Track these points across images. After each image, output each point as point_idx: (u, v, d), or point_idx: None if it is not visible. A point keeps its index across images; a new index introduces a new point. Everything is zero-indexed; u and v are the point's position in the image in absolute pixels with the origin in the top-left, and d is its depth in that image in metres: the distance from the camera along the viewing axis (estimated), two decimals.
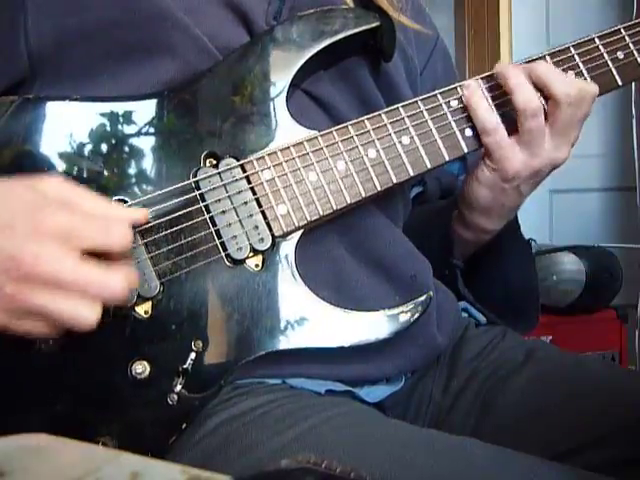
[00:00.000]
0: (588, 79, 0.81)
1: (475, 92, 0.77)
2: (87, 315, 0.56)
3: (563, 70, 0.80)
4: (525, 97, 0.76)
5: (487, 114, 0.77)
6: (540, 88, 0.77)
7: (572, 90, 0.76)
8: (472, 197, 0.83)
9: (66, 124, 0.68)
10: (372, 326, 0.72)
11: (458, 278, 0.90)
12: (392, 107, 0.76)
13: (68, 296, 0.56)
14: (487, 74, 0.79)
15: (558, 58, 0.80)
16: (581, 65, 0.81)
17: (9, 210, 0.57)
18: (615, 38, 0.83)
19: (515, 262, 0.92)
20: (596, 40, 0.82)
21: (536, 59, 0.80)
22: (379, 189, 0.74)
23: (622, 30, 0.83)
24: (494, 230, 0.87)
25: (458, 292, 0.91)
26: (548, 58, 0.80)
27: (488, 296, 0.92)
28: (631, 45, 0.83)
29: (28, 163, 0.67)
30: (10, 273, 0.55)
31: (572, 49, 0.81)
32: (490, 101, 0.78)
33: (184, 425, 0.65)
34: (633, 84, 2.23)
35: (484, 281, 0.92)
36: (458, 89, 0.78)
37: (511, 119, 0.78)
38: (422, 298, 0.74)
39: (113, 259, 0.59)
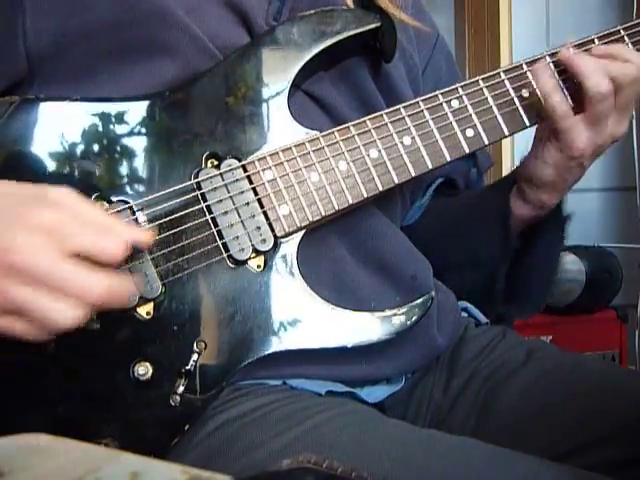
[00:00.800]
0: None
1: (548, 79, 0.77)
2: (67, 315, 0.55)
3: (561, 71, 0.80)
4: (596, 82, 0.76)
5: (560, 103, 0.77)
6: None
7: (633, 71, 0.77)
8: (536, 176, 0.83)
9: (66, 125, 0.68)
10: (373, 326, 0.72)
11: (505, 261, 0.89)
12: (393, 107, 0.76)
13: (50, 293, 0.55)
14: (488, 75, 0.79)
15: (557, 57, 0.80)
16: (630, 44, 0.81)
17: (4, 201, 0.57)
18: (614, 38, 0.83)
19: (550, 238, 0.91)
20: (595, 41, 0.82)
21: (536, 59, 0.80)
22: (381, 189, 0.74)
23: (621, 30, 0.83)
24: (552, 205, 0.87)
25: (460, 292, 0.91)
26: (548, 58, 0.80)
27: (514, 274, 0.92)
28: (630, 45, 0.83)
29: (28, 163, 0.67)
30: None
31: (572, 49, 0.81)
32: (560, 81, 0.78)
33: (186, 426, 0.65)
34: None
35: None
36: (459, 89, 0.78)
37: (577, 98, 0.78)
38: (423, 298, 0.74)
39: (106, 266, 0.57)
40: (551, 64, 0.79)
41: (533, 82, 0.78)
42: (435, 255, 0.87)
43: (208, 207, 0.69)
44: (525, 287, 0.93)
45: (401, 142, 0.75)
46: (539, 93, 0.78)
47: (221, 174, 0.69)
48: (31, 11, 0.70)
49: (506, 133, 0.79)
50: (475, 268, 0.91)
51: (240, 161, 0.70)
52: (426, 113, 0.76)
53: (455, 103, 0.77)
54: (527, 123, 0.79)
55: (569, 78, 0.79)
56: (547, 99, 0.77)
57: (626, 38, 0.83)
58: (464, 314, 0.93)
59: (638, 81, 0.78)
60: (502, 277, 0.90)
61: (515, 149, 2.38)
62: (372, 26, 0.75)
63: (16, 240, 0.54)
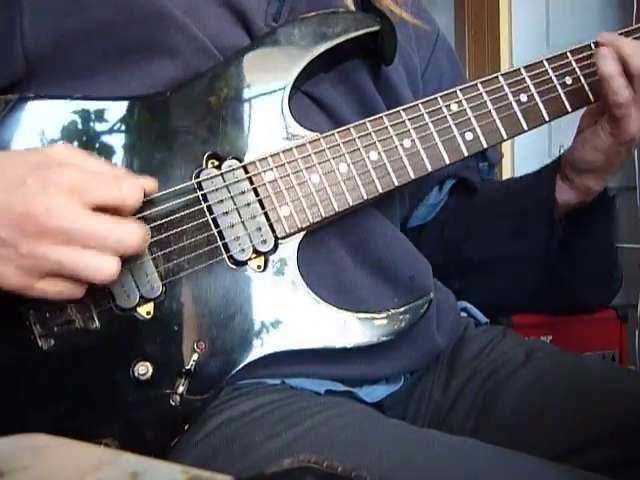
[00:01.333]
0: (585, 85, 0.82)
1: (611, 63, 0.78)
2: (105, 266, 0.57)
3: (559, 76, 0.81)
4: None
5: (621, 89, 0.77)
6: None
7: None
8: (584, 162, 0.84)
9: (66, 123, 0.68)
10: (373, 327, 0.72)
11: (551, 250, 0.89)
12: (393, 110, 0.76)
13: (84, 249, 0.56)
14: (486, 79, 0.79)
15: (555, 64, 0.81)
16: (578, 71, 0.82)
17: (17, 170, 0.57)
18: None
19: (596, 218, 0.91)
20: (592, 46, 0.83)
21: (534, 64, 0.81)
22: (380, 191, 0.74)
23: (624, 35, 0.84)
24: (598, 190, 0.88)
25: (466, 291, 0.91)
26: (546, 63, 0.81)
27: (568, 260, 0.92)
28: None
29: None
30: (24, 229, 0.55)
31: (569, 55, 0.82)
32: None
33: (186, 426, 0.66)
34: None
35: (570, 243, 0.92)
36: (458, 93, 0.78)
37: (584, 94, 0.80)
38: (422, 300, 0.74)
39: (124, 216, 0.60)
40: (572, 60, 0.80)
41: (577, 70, 0.80)
42: (470, 253, 0.88)
43: (209, 207, 0.69)
44: (588, 271, 0.93)
45: (401, 145, 0.75)
46: (601, 76, 0.78)
47: (222, 174, 0.69)
48: (29, 11, 0.70)
49: (505, 137, 0.79)
50: (520, 262, 0.91)
51: (241, 162, 0.70)
52: (426, 116, 0.76)
53: (454, 107, 0.78)
54: (525, 127, 0.80)
55: (587, 75, 0.80)
56: (609, 83, 0.77)
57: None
58: (464, 314, 0.93)
59: None
60: (558, 267, 0.90)
61: (515, 149, 2.38)
62: (372, 29, 0.76)
63: (45, 204, 0.55)
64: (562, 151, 0.89)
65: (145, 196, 0.63)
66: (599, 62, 0.78)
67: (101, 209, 0.58)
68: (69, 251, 0.56)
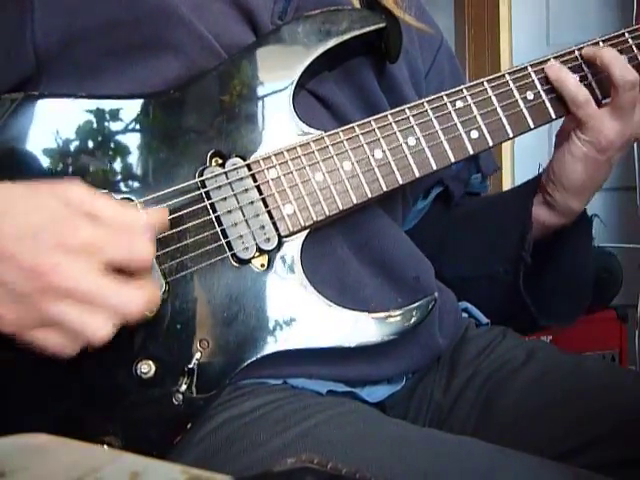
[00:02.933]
0: (592, 82, 0.81)
1: (559, 68, 0.79)
2: (103, 329, 0.57)
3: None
4: (622, 71, 0.77)
5: (577, 87, 0.78)
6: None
7: None
8: (565, 175, 0.82)
9: (71, 122, 0.68)
10: (375, 327, 0.72)
11: (519, 275, 0.87)
12: (398, 108, 0.76)
13: (84, 308, 0.56)
14: (493, 76, 0.79)
15: (563, 59, 0.81)
16: (585, 68, 0.81)
17: (32, 218, 0.57)
18: (618, 41, 0.83)
19: (576, 240, 0.90)
20: (600, 44, 0.82)
21: (541, 62, 0.80)
22: (385, 190, 0.74)
23: (626, 34, 0.84)
24: (579, 211, 0.86)
25: (463, 294, 0.91)
26: (552, 60, 0.80)
27: (541, 283, 0.90)
28: (634, 48, 0.83)
29: (32, 160, 0.67)
30: (29, 281, 0.55)
31: (576, 51, 0.82)
32: (586, 70, 0.80)
33: (189, 425, 0.65)
34: None
35: (541, 265, 0.91)
36: (463, 90, 0.78)
37: (603, 90, 0.79)
38: (426, 300, 0.74)
39: (135, 273, 0.59)
40: (578, 56, 0.80)
41: (549, 76, 0.79)
42: (442, 270, 0.87)
43: (212, 205, 0.69)
44: (561, 292, 0.91)
45: (406, 143, 0.75)
46: (555, 85, 0.79)
47: (225, 173, 0.69)
48: (40, 8, 0.70)
49: (510, 135, 0.79)
50: (491, 282, 0.89)
51: (245, 160, 0.70)
52: (431, 114, 0.76)
53: (460, 104, 0.77)
54: (531, 125, 0.80)
55: (595, 73, 0.80)
56: (563, 87, 0.78)
57: (630, 41, 0.83)
58: (464, 314, 0.93)
59: None
60: (528, 287, 0.88)
61: (515, 151, 2.38)
62: (378, 26, 0.75)
63: (54, 263, 0.55)
64: (541, 170, 0.87)
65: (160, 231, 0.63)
66: (548, 71, 0.79)
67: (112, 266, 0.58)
68: (72, 308, 0.56)
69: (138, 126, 0.69)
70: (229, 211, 0.69)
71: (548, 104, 0.80)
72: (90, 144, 0.68)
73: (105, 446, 0.63)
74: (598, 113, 0.78)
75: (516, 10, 2.47)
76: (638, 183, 2.29)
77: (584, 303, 0.94)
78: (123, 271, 0.58)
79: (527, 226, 0.85)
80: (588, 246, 0.92)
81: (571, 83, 0.78)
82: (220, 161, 0.70)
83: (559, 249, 0.90)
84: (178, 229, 0.67)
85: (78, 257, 0.56)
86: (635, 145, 2.30)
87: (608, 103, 0.79)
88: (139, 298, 0.58)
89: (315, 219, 0.71)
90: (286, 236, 0.70)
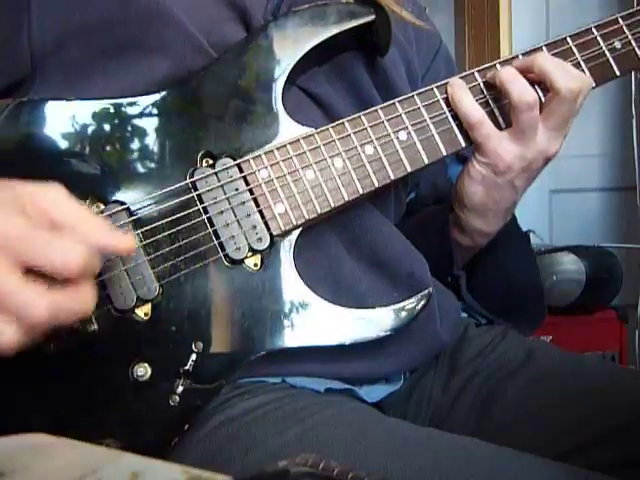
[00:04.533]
0: (585, 70, 0.80)
1: (458, 87, 0.76)
2: (3, 333, 0.51)
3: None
4: (519, 90, 0.75)
5: (471, 108, 0.76)
6: (541, 80, 0.76)
7: (574, 84, 0.75)
8: (466, 195, 0.81)
9: (61, 125, 0.67)
10: (372, 323, 0.72)
11: (461, 287, 0.90)
12: (388, 102, 0.75)
13: None
14: (485, 66, 0.79)
15: (555, 50, 0.80)
16: (578, 56, 0.80)
17: None
18: (613, 28, 0.82)
19: (514, 256, 0.91)
20: (593, 30, 0.82)
21: (532, 50, 0.80)
22: (377, 185, 0.73)
23: (620, 19, 0.83)
24: (491, 232, 0.86)
25: (459, 293, 0.91)
26: (545, 49, 0.80)
27: (490, 295, 0.92)
28: (629, 34, 0.82)
29: (23, 164, 0.67)
30: None
31: (569, 40, 0.81)
32: (486, 92, 0.78)
33: (186, 426, 0.65)
34: (633, 84, 2.22)
35: (485, 279, 0.92)
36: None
37: (508, 111, 0.77)
38: (421, 294, 0.74)
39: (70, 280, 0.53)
40: (480, 80, 0.78)
41: (448, 93, 0.77)
42: None
43: (204, 207, 0.68)
44: (512, 303, 0.92)
45: (397, 137, 0.74)
46: (452, 100, 0.76)
47: (216, 173, 0.69)
48: (36, 7, 0.70)
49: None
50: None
51: (235, 160, 0.70)
52: (422, 108, 0.76)
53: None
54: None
55: (501, 97, 0.78)
56: (458, 108, 0.76)
57: (624, 28, 0.83)
58: (464, 314, 0.93)
59: (576, 98, 0.76)
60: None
61: None
62: (366, 19, 0.75)
63: None
64: None
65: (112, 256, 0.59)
66: (450, 91, 0.76)
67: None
68: None
69: (128, 128, 0.69)
70: (220, 212, 0.69)
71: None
72: (81, 147, 0.67)
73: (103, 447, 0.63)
74: (495, 135, 0.76)
75: (516, 10, 2.47)
76: (638, 183, 2.29)
77: (538, 313, 0.94)
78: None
79: (448, 245, 0.85)
80: (528, 259, 0.93)
81: (465, 102, 0.76)
82: (210, 162, 0.70)
83: (497, 265, 0.90)
84: (170, 231, 0.67)
85: None
86: (635, 145, 2.29)
87: (509, 127, 0.77)
88: (41, 302, 0.51)
89: (307, 217, 0.71)
90: (278, 235, 0.70)
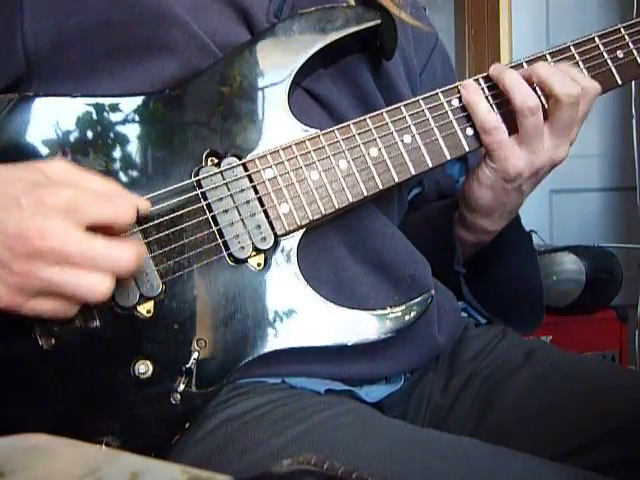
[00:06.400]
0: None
1: (474, 91, 0.77)
2: (98, 286, 0.57)
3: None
4: (522, 95, 0.75)
5: (486, 113, 0.77)
6: (541, 88, 0.77)
7: (574, 90, 0.76)
8: (473, 198, 0.82)
9: (66, 122, 0.68)
10: (372, 325, 0.72)
11: (462, 284, 0.90)
12: (394, 106, 0.76)
13: (76, 269, 0.56)
14: (487, 73, 0.80)
15: (558, 57, 0.80)
16: (581, 64, 0.81)
17: (13, 188, 0.57)
18: (615, 37, 0.83)
19: (518, 256, 0.91)
20: (596, 39, 0.82)
21: (536, 58, 0.80)
22: (381, 188, 0.74)
23: (622, 29, 0.83)
24: (495, 231, 0.87)
25: (459, 292, 0.91)
26: (548, 57, 0.80)
27: (490, 293, 0.92)
28: (631, 44, 0.83)
29: (27, 158, 0.66)
30: (16, 250, 0.55)
31: (572, 48, 0.81)
32: (491, 100, 0.78)
33: (187, 424, 0.65)
34: (633, 84, 2.22)
35: (486, 277, 0.92)
36: (460, 88, 0.78)
37: (512, 119, 0.78)
38: (422, 297, 0.74)
39: (118, 234, 0.60)
40: (484, 86, 0.78)
41: (462, 97, 0.77)
42: None
43: (208, 205, 0.69)
44: (512, 303, 0.93)
45: (401, 140, 0.75)
46: (467, 109, 0.77)
47: (221, 172, 0.69)
48: (29, 10, 0.70)
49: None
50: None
51: (240, 159, 0.70)
52: (426, 111, 0.76)
53: (455, 102, 0.78)
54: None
55: (504, 101, 0.78)
56: (474, 113, 0.76)
57: (626, 37, 0.83)
58: (464, 314, 0.93)
59: (578, 103, 0.76)
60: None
61: None
62: (373, 23, 0.75)
63: (37, 226, 0.55)
64: None
65: (138, 214, 0.62)
66: (463, 93, 0.77)
67: (96, 228, 0.58)
68: (60, 271, 0.56)
69: (134, 126, 0.69)
70: (225, 211, 0.69)
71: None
72: (85, 143, 0.67)
73: (104, 446, 0.63)
74: (507, 142, 0.77)
75: (516, 10, 2.47)
76: (638, 183, 2.29)
77: (537, 314, 0.94)
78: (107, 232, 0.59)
79: (452, 242, 0.86)
80: (531, 259, 0.93)
81: (482, 107, 0.76)
82: (216, 160, 0.70)
83: (500, 263, 0.91)
84: (174, 229, 0.67)
85: (61, 217, 0.56)
86: (635, 145, 2.29)
87: (517, 132, 0.77)
88: (127, 251, 0.58)
89: (311, 218, 0.71)
90: (282, 235, 0.70)
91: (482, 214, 0.84)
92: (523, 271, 0.93)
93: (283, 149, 0.71)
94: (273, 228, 0.70)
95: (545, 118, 0.77)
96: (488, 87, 0.78)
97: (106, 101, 0.69)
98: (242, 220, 0.69)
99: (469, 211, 0.84)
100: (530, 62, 0.79)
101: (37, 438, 0.39)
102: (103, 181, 0.61)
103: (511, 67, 0.79)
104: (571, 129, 0.78)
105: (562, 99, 0.75)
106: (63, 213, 0.56)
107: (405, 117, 0.75)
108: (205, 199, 0.69)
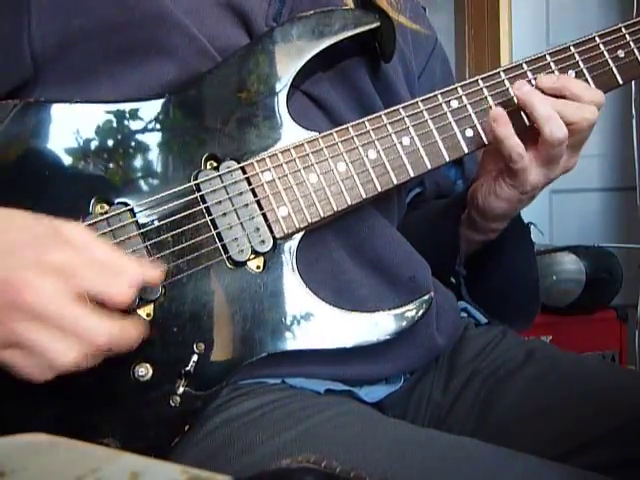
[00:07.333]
0: (589, 78, 0.80)
1: (505, 124, 0.75)
2: (68, 355, 0.55)
3: (562, 69, 0.80)
4: (554, 128, 0.75)
5: (516, 145, 0.76)
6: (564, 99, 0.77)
7: (592, 115, 0.76)
8: (488, 209, 0.83)
9: (68, 127, 0.68)
10: (373, 327, 0.72)
11: (461, 284, 0.90)
12: (392, 108, 0.75)
13: (51, 331, 0.55)
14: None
15: (558, 57, 0.80)
16: (581, 64, 0.81)
17: (19, 235, 0.57)
18: (615, 37, 0.83)
19: (517, 249, 0.92)
20: (596, 39, 0.82)
21: (536, 58, 0.80)
22: (380, 190, 0.74)
23: (623, 29, 0.83)
24: (500, 229, 0.88)
25: (458, 291, 0.91)
26: (548, 57, 0.80)
27: (486, 287, 0.92)
28: (632, 43, 0.83)
29: (30, 165, 0.67)
30: (0, 297, 0.54)
31: (572, 48, 0.81)
32: (491, 101, 0.78)
33: (187, 426, 0.66)
34: (633, 84, 2.22)
35: (483, 271, 0.92)
36: (458, 89, 0.78)
37: (515, 118, 0.77)
38: (422, 299, 0.74)
39: (113, 309, 0.58)
40: (483, 86, 0.78)
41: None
42: None
43: (207, 209, 0.69)
44: (508, 297, 0.93)
45: (400, 143, 0.75)
46: (496, 137, 0.76)
47: (220, 176, 0.69)
48: (37, 12, 0.70)
49: None
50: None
51: (239, 163, 0.70)
52: (425, 113, 0.76)
53: (454, 103, 0.77)
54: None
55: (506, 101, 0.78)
56: (503, 143, 0.76)
57: (627, 36, 0.83)
58: (464, 314, 0.93)
59: (593, 125, 0.78)
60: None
61: None
62: (371, 26, 0.75)
63: (27, 280, 0.54)
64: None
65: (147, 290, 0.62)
66: (494, 126, 0.75)
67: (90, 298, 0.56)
68: (35, 329, 0.54)
69: (133, 131, 0.69)
70: (224, 214, 0.69)
71: None
72: (86, 149, 0.68)
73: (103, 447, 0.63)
74: (530, 165, 0.77)
75: (516, 10, 2.47)
76: (638, 183, 2.29)
77: (533, 308, 0.94)
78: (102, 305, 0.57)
79: (456, 243, 0.87)
80: (528, 251, 0.94)
81: (511, 138, 0.75)
82: (214, 164, 0.70)
83: (498, 256, 0.91)
84: (173, 232, 0.67)
85: (52, 278, 0.55)
86: (635, 145, 2.29)
87: (536, 152, 0.77)
88: (106, 329, 0.56)
89: (310, 221, 0.71)
90: (281, 238, 0.70)
91: (495, 220, 0.86)
92: (521, 264, 0.93)
93: (281, 152, 0.71)
94: (272, 231, 0.70)
95: None
96: (488, 87, 0.78)
97: (105, 106, 0.69)
98: (241, 223, 0.69)
99: (483, 218, 0.86)
100: (530, 62, 0.79)
101: (37, 438, 0.39)
102: (116, 256, 0.59)
103: (511, 67, 0.79)
104: (584, 141, 0.80)
105: (583, 125, 0.76)
106: (56, 274, 0.55)
107: (404, 119, 0.75)
108: (204, 202, 0.69)
